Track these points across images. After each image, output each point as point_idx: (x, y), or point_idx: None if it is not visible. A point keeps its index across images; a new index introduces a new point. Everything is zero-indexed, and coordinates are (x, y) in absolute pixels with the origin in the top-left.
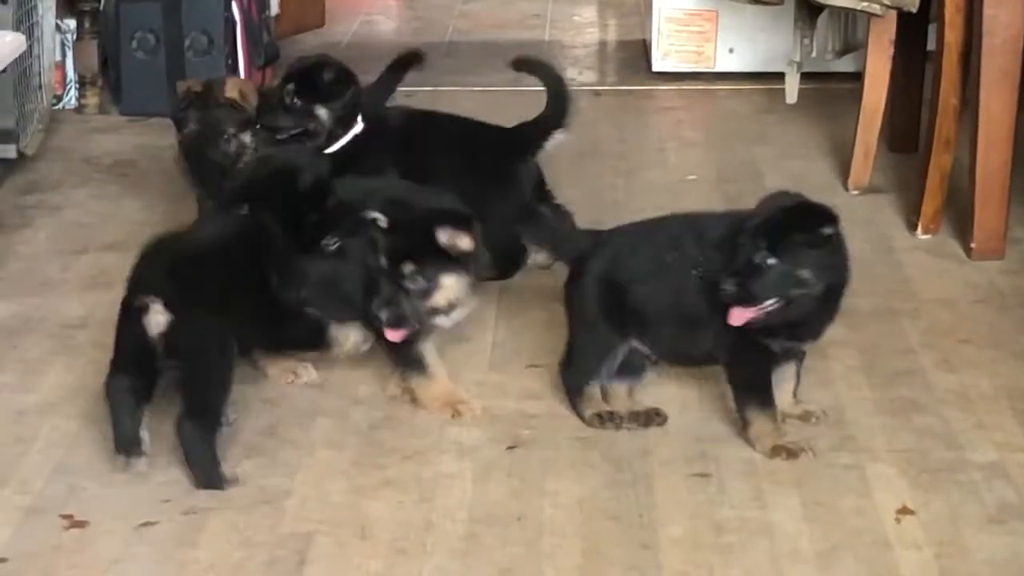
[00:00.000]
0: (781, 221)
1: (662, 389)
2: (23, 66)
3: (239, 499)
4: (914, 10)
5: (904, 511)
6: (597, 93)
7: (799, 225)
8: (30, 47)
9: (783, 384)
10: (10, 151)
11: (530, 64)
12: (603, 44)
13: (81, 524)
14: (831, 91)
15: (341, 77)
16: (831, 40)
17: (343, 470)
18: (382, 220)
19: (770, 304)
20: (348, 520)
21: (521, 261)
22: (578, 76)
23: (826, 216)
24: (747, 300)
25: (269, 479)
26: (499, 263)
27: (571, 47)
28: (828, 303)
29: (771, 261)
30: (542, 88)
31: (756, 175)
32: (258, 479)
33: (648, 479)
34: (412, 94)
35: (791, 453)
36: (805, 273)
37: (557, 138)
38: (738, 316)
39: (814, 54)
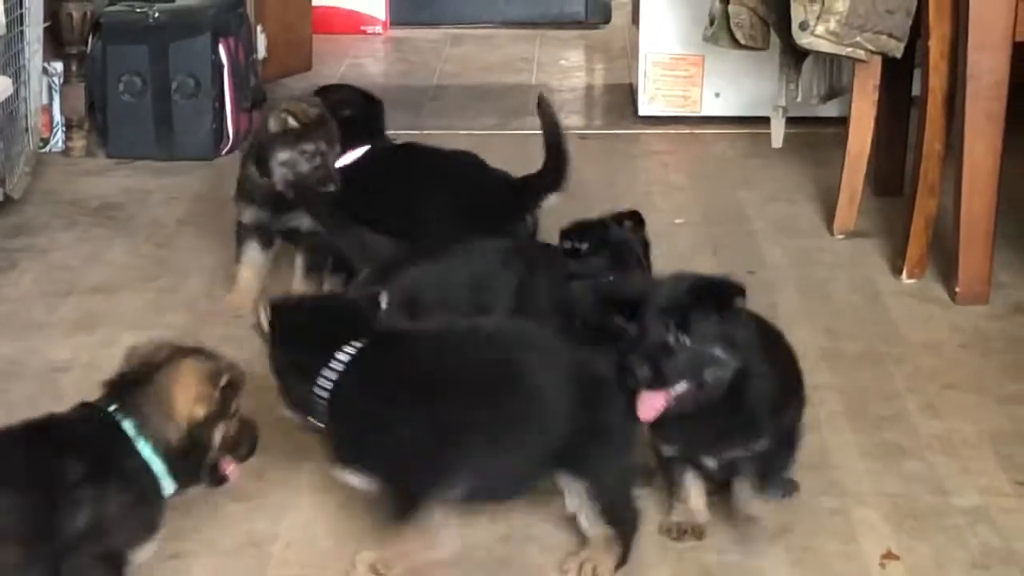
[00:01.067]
0: (691, 297)
1: None
2: (9, 109)
3: (225, 543)
4: (899, 56)
5: (889, 556)
6: (583, 136)
7: (710, 299)
8: (16, 90)
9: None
10: None
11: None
12: (590, 88)
13: None
14: (816, 135)
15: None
16: (816, 85)
17: (331, 514)
18: None
19: (682, 389)
20: (335, 566)
21: None
22: (565, 120)
23: (735, 289)
24: (660, 383)
25: (256, 523)
26: None
27: (558, 91)
28: (732, 400)
29: (684, 340)
30: (532, 133)
31: (743, 218)
32: (245, 523)
33: None
34: (398, 137)
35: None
36: (718, 351)
37: (551, 199)
38: (649, 407)
39: (799, 99)
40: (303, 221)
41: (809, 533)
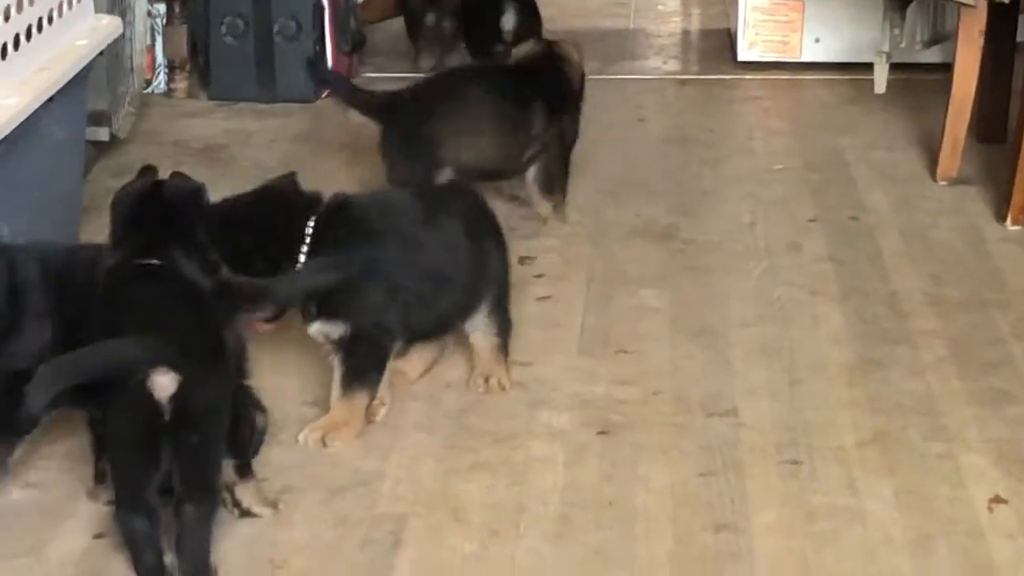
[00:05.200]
0: None
1: (753, 377)
2: (115, 49)
3: (333, 480)
4: (1006, 1)
5: (997, 500)
6: (682, 82)
7: None
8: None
9: None
10: (103, 133)
11: None
12: (687, 33)
13: None
14: (919, 82)
15: None
16: (919, 30)
17: (435, 453)
18: None
19: None
20: (441, 502)
21: None
22: (663, 65)
23: None
24: None
25: (363, 461)
26: None
27: (655, 36)
28: None
29: None
30: (630, 78)
31: (843, 165)
32: (352, 461)
33: (739, 466)
34: None
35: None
36: None
37: None
38: None
39: (903, 44)
40: None
41: (917, 478)
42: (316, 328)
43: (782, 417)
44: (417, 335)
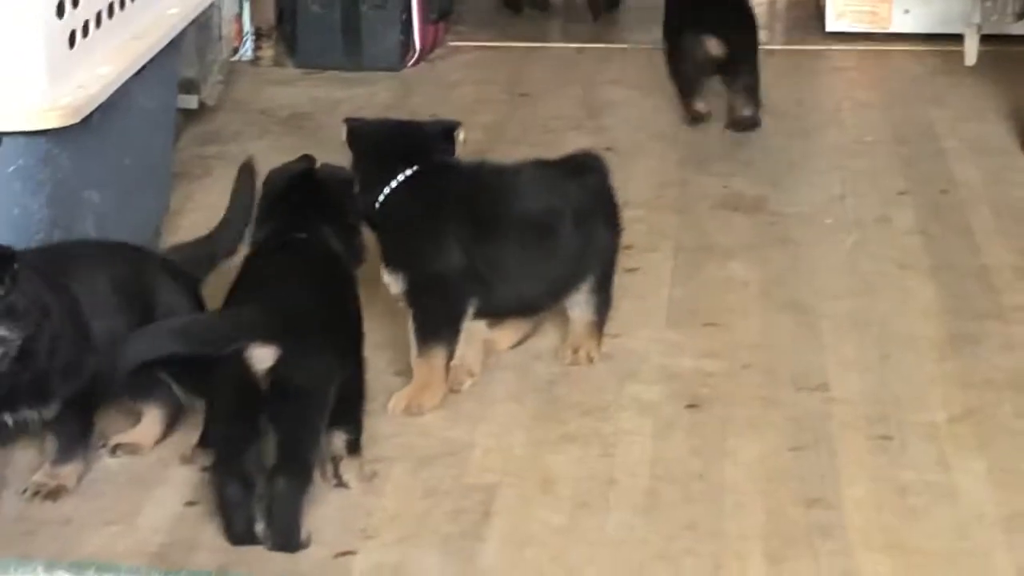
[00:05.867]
0: None
1: (843, 351)
2: (204, 18)
3: (422, 449)
4: None
5: None
6: (770, 53)
7: None
8: None
9: None
10: (192, 101)
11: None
12: (774, 3)
13: None
14: (1010, 54)
15: None
16: (1012, 2)
17: (523, 424)
18: None
19: None
20: (530, 473)
21: None
22: None
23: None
24: None
25: (452, 431)
26: None
27: None
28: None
29: None
30: None
31: (933, 137)
32: (441, 431)
33: (829, 440)
34: (582, 50)
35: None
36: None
37: None
38: None
39: (994, 16)
40: None
41: (1009, 454)
42: (384, 277)
43: (872, 392)
44: (503, 309)
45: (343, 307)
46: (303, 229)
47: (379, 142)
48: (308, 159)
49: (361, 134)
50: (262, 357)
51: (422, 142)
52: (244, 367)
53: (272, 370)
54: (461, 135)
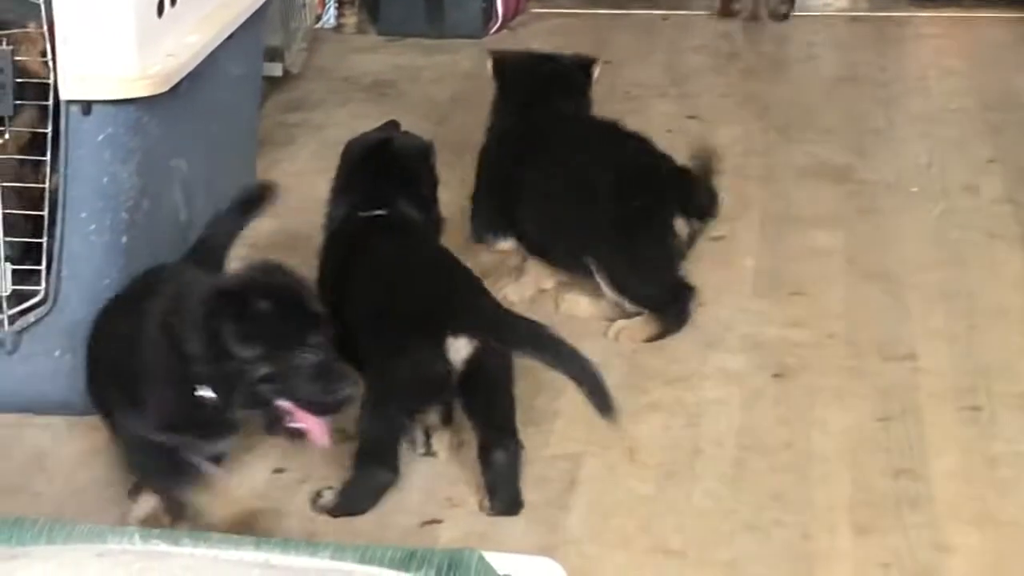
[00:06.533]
0: None
1: (931, 321)
2: None
3: None
4: None
5: None
6: (853, 19)
7: None
8: None
9: None
10: (276, 69)
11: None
12: None
13: None
14: None
15: None
16: None
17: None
18: None
19: None
20: (615, 442)
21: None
22: (833, 2)
23: None
24: None
25: (535, 400)
26: None
27: None
28: None
29: None
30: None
31: (1020, 105)
32: (525, 400)
33: (917, 411)
34: (667, 17)
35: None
36: None
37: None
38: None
39: None
40: None
41: None
42: None
43: (961, 362)
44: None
45: (473, 280)
46: (382, 204)
47: (523, 72)
48: (393, 124)
49: (505, 65)
50: (459, 348)
51: (562, 73)
52: (439, 358)
53: (469, 360)
54: (597, 70)
